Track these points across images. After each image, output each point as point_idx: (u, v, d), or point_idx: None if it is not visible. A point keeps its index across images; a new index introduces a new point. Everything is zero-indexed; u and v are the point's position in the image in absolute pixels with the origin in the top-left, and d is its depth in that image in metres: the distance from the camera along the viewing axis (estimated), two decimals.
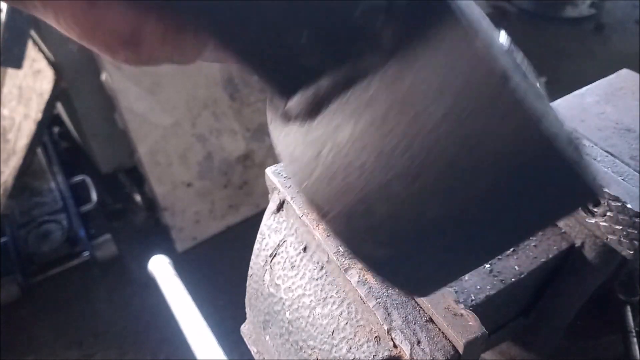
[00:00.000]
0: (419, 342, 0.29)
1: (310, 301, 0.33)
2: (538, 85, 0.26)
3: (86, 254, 2.11)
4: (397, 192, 0.23)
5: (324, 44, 0.24)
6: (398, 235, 0.25)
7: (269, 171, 0.46)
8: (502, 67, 0.21)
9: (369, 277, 0.35)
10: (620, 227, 0.41)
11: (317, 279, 0.33)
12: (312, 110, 0.25)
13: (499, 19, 3.69)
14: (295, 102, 0.25)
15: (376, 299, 0.30)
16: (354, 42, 0.24)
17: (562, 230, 0.47)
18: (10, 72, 1.91)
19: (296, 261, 0.34)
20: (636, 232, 0.40)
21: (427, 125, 0.22)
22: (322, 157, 0.24)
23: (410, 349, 0.29)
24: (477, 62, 0.21)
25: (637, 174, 0.43)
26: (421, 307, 0.36)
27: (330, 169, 0.24)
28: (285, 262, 0.35)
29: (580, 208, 0.38)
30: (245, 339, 0.40)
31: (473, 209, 0.24)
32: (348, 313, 0.31)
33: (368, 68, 0.23)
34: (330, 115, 0.24)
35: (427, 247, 0.25)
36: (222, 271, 2.12)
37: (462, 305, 0.35)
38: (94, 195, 2.23)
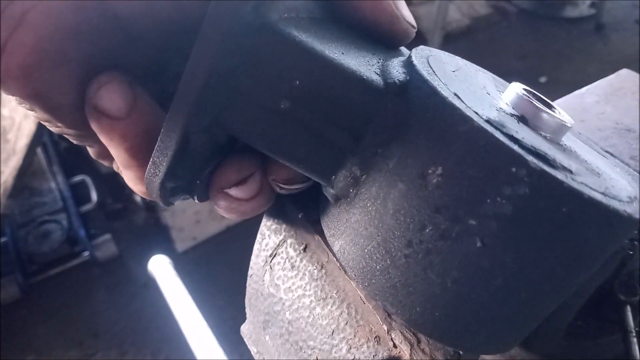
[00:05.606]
0: (419, 342, 0.29)
1: (310, 301, 0.33)
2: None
3: (86, 254, 2.11)
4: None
5: (348, 126, 0.26)
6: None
7: None
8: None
9: None
10: None
11: (317, 279, 0.33)
12: (354, 185, 0.27)
13: (499, 18, 3.69)
14: (341, 181, 0.27)
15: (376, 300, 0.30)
16: (366, 119, 0.26)
17: None
18: None
19: (296, 261, 0.34)
20: (636, 232, 0.40)
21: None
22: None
23: (410, 349, 0.29)
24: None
25: (637, 174, 0.43)
26: None
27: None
28: (285, 262, 0.35)
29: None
30: (245, 339, 0.40)
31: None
32: (348, 313, 0.31)
33: (383, 142, 0.26)
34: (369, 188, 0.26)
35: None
36: (222, 271, 2.12)
37: None
38: (94, 195, 2.22)
